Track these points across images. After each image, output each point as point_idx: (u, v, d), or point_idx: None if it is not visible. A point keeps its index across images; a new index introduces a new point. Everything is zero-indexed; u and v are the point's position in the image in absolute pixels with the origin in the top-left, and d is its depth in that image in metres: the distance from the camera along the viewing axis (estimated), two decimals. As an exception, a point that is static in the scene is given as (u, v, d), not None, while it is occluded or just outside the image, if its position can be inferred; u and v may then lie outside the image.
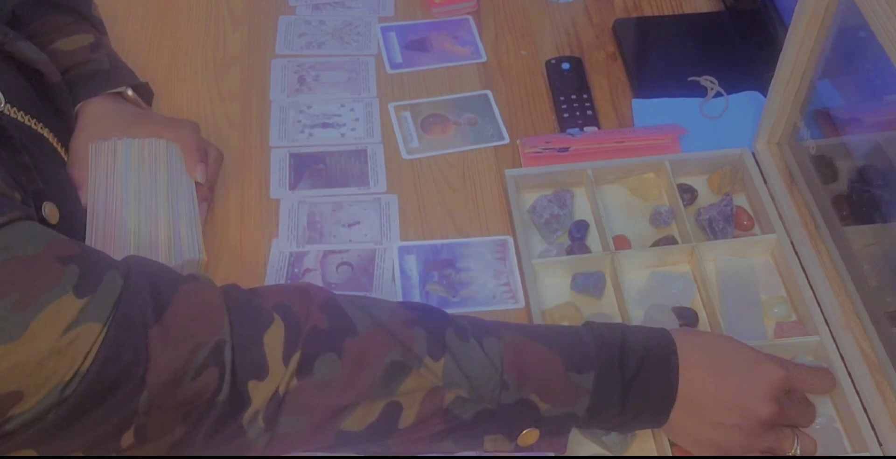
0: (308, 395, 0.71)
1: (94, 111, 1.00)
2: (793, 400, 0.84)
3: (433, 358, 0.74)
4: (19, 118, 0.89)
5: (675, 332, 0.82)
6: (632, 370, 0.78)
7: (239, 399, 0.70)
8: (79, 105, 1.00)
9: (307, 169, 1.09)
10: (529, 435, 0.77)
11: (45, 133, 0.93)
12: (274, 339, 0.71)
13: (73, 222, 0.89)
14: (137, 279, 0.69)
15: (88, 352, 0.64)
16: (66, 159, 0.96)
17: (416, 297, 0.98)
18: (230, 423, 0.70)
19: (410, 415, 0.74)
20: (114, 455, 0.68)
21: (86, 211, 0.93)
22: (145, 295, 0.68)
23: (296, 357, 0.71)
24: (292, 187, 1.07)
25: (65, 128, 0.98)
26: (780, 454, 0.82)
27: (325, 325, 0.73)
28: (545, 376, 0.76)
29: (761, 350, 0.91)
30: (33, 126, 0.91)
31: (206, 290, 0.72)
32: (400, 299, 0.97)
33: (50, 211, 0.84)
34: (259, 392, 0.70)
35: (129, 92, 1.04)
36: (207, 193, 1.01)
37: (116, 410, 0.66)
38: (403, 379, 0.73)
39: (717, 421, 0.79)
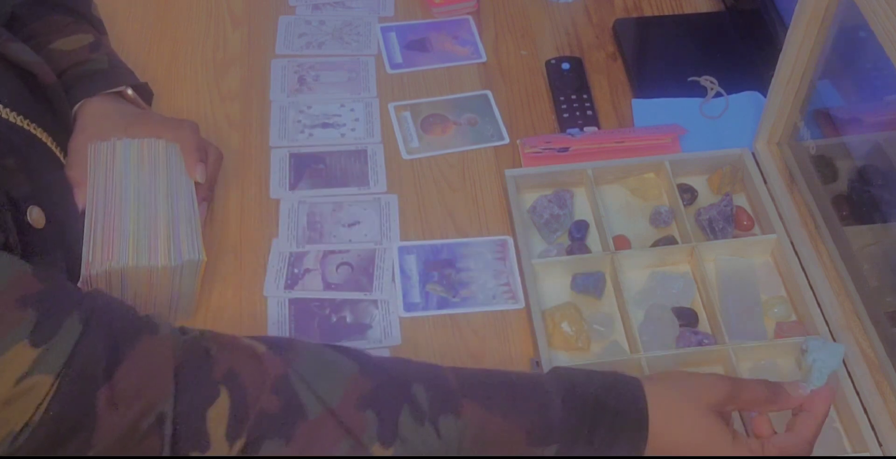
0: None
1: (93, 111, 1.00)
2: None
3: (383, 445, 0.71)
4: (11, 119, 0.89)
5: (649, 390, 0.77)
6: (599, 439, 0.74)
7: None
8: (78, 105, 1.00)
9: (307, 169, 1.09)
10: None
11: (40, 134, 0.93)
12: (218, 415, 0.69)
13: (64, 226, 0.88)
14: (96, 327, 0.67)
15: (40, 405, 0.63)
16: (62, 160, 0.96)
17: (417, 297, 0.98)
18: None
19: None
20: None
21: (83, 212, 0.93)
22: (100, 348, 0.67)
23: (240, 442, 0.69)
24: (292, 187, 1.07)
25: (61, 129, 0.98)
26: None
27: (274, 409, 0.70)
28: (504, 451, 0.74)
29: (761, 349, 0.91)
30: (27, 127, 0.91)
31: (161, 348, 0.70)
32: (400, 299, 0.98)
33: (37, 216, 0.83)
34: None
35: (129, 91, 1.04)
36: (207, 193, 1.01)
37: None
38: None
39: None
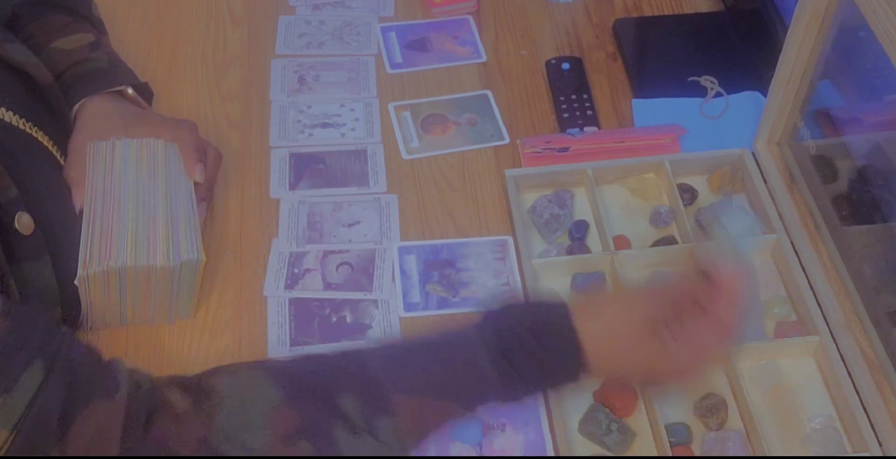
0: None
1: (93, 111, 1.00)
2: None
3: None
4: (7, 118, 0.89)
5: (582, 325, 0.76)
6: (534, 377, 0.74)
7: None
8: (78, 104, 1.00)
9: (307, 169, 1.09)
10: None
11: (38, 135, 0.92)
12: None
13: (56, 229, 0.88)
14: (56, 380, 0.66)
15: None
16: (60, 161, 0.96)
17: (416, 297, 0.98)
18: None
19: None
20: None
21: (81, 212, 0.93)
22: (57, 404, 0.66)
23: None
24: (292, 187, 1.07)
25: (60, 129, 0.98)
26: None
27: None
28: (445, 421, 0.75)
29: (762, 350, 0.91)
30: (24, 127, 0.91)
31: (112, 414, 0.68)
32: (400, 299, 0.97)
33: (25, 221, 0.83)
34: None
35: (130, 91, 1.04)
36: (206, 193, 1.01)
37: None
38: None
39: (628, 363, 0.77)
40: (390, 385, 0.73)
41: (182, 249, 0.90)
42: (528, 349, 0.74)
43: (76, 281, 0.87)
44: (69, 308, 0.89)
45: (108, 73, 1.03)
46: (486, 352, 0.74)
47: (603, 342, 0.75)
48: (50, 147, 0.94)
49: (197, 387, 0.72)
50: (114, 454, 0.67)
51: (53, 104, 0.97)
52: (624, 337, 0.76)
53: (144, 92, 1.07)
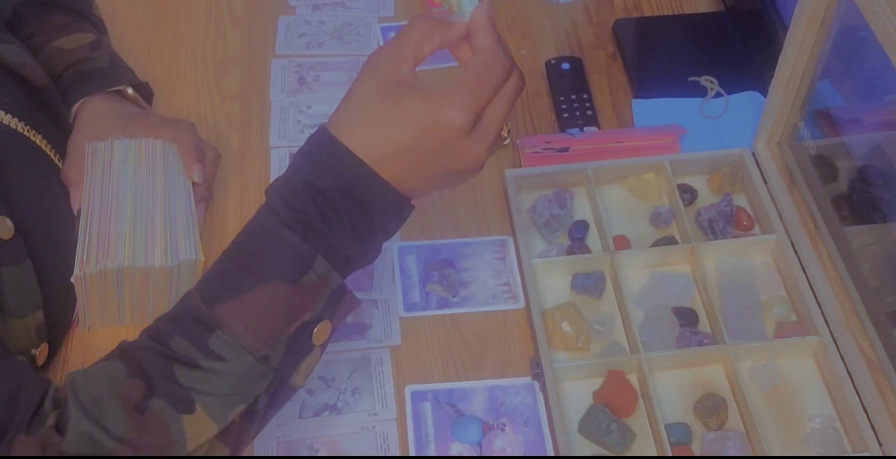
0: None
1: (92, 110, 1.00)
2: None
3: (191, 413, 0.69)
4: (0, 119, 0.89)
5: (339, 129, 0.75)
6: (360, 224, 0.71)
7: None
8: (77, 104, 1.00)
9: (307, 169, 1.09)
10: (321, 332, 0.73)
11: (32, 135, 0.92)
12: None
13: (35, 235, 0.87)
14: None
15: None
16: (56, 162, 0.96)
17: (416, 297, 0.98)
18: None
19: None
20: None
21: (79, 212, 0.93)
22: None
23: None
24: (292, 187, 1.07)
25: (57, 130, 0.97)
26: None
27: None
28: (286, 307, 0.70)
29: (761, 349, 0.91)
30: (16, 127, 0.90)
31: (27, 450, 0.68)
32: (400, 299, 0.97)
33: (3, 226, 0.82)
34: None
35: (130, 91, 1.04)
36: (205, 193, 1.01)
37: None
38: (191, 441, 0.69)
39: (429, 165, 0.72)
40: (210, 303, 0.71)
41: (180, 249, 0.90)
42: (324, 198, 0.70)
43: (72, 279, 0.87)
44: (54, 311, 0.89)
45: (108, 73, 1.03)
46: (277, 223, 0.70)
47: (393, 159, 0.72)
48: (45, 148, 0.94)
49: (58, 402, 0.71)
50: None
51: (49, 105, 0.97)
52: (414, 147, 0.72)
53: (144, 92, 1.07)
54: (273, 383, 0.72)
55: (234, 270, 0.72)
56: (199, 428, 0.70)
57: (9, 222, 0.83)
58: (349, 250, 0.72)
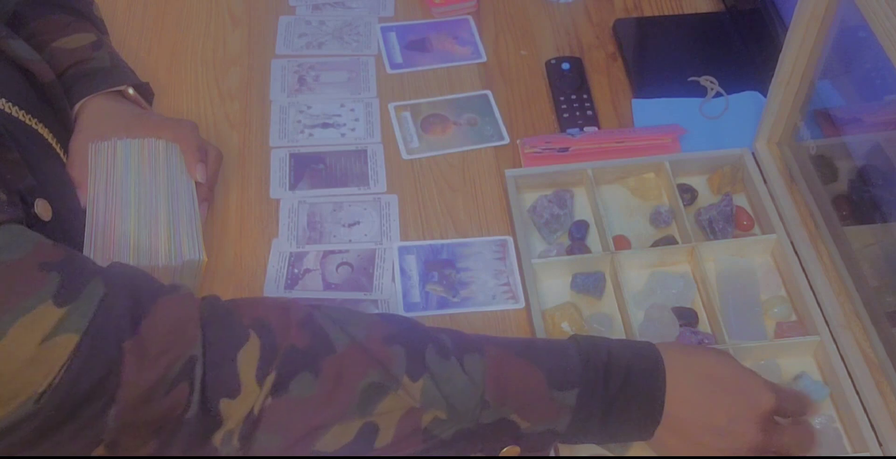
0: (283, 415, 0.70)
1: (94, 110, 1.00)
2: (784, 426, 0.82)
3: (411, 378, 0.73)
4: (14, 113, 0.89)
5: (666, 348, 0.81)
6: (615, 387, 0.76)
7: (211, 419, 0.69)
8: (79, 104, 1.00)
9: (307, 169, 1.09)
10: (510, 451, 0.76)
11: (41, 129, 0.93)
12: (248, 357, 0.70)
13: (67, 220, 0.89)
14: (118, 288, 0.68)
15: (64, 364, 0.63)
16: (62, 157, 0.96)
17: (416, 297, 0.98)
18: (203, 442, 0.70)
19: (387, 436, 0.73)
20: None
21: (84, 211, 0.93)
22: (124, 304, 0.68)
23: (270, 378, 0.70)
24: (292, 187, 1.07)
25: (62, 126, 0.98)
26: None
27: (303, 344, 0.72)
28: (527, 394, 0.75)
29: (761, 349, 0.91)
30: (28, 121, 0.91)
31: (184, 303, 0.71)
32: (400, 299, 0.98)
33: (43, 208, 0.83)
34: (232, 412, 0.69)
35: (131, 91, 1.04)
36: (208, 193, 1.01)
37: (88, 425, 0.65)
38: (380, 400, 0.72)
39: (702, 443, 0.78)
40: (484, 340, 0.78)
41: (184, 249, 0.91)
42: (615, 371, 0.77)
43: None
44: None
45: (109, 73, 1.03)
46: (576, 350, 0.78)
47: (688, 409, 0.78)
48: (53, 142, 0.94)
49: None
50: (198, 338, 0.70)
51: (55, 102, 0.97)
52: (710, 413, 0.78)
53: (145, 92, 1.07)
54: (458, 436, 0.75)
55: (519, 343, 0.80)
56: (393, 405, 0.73)
57: (47, 204, 0.84)
58: (588, 425, 0.77)
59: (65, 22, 1.04)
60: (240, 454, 0.70)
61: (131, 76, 1.05)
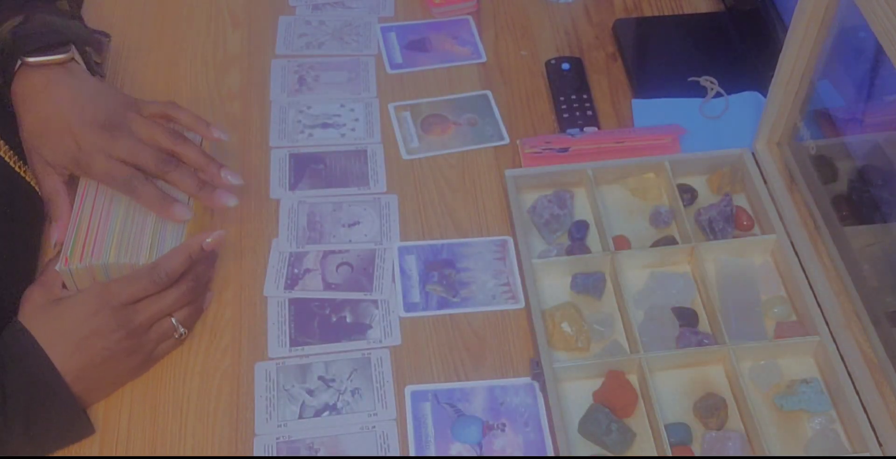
0: None
1: (33, 121, 0.94)
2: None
3: None
4: None
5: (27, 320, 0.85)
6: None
7: None
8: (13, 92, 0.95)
9: (307, 169, 1.09)
10: None
11: None
12: None
13: None
14: None
15: None
16: (13, 166, 0.95)
17: (416, 297, 0.98)
18: None
19: None
20: None
21: (58, 243, 0.93)
22: None
23: None
24: (292, 187, 1.07)
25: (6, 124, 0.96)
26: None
27: None
28: None
29: (761, 350, 0.91)
30: None
31: None
32: (400, 299, 0.98)
33: None
34: None
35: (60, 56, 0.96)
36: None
37: None
38: None
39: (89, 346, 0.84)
40: None
41: (166, 248, 0.92)
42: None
43: (57, 268, 0.89)
44: None
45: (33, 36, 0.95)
46: None
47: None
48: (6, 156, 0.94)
49: None
50: None
51: None
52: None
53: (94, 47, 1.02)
54: None
55: None
56: None
57: None
58: None
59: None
60: None
61: (51, 36, 0.96)
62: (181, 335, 0.91)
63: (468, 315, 0.97)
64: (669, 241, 1.00)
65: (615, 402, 0.88)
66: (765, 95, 1.03)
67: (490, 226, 1.04)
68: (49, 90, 0.94)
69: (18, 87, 0.95)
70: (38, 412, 0.82)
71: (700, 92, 1.16)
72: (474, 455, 0.87)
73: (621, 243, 1.01)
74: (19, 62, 0.95)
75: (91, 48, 1.03)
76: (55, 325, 0.84)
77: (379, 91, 1.17)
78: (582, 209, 1.04)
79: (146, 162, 0.93)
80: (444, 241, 1.03)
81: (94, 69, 1.02)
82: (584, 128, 1.12)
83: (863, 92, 0.98)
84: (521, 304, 0.97)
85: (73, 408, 0.84)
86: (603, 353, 0.93)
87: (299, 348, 0.94)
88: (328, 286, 0.99)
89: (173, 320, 0.90)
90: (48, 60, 0.95)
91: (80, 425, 0.86)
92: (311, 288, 0.99)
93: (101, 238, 0.92)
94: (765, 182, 1.03)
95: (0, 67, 0.96)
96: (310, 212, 1.05)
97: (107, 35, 1.09)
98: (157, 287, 0.88)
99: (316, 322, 0.96)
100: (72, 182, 0.97)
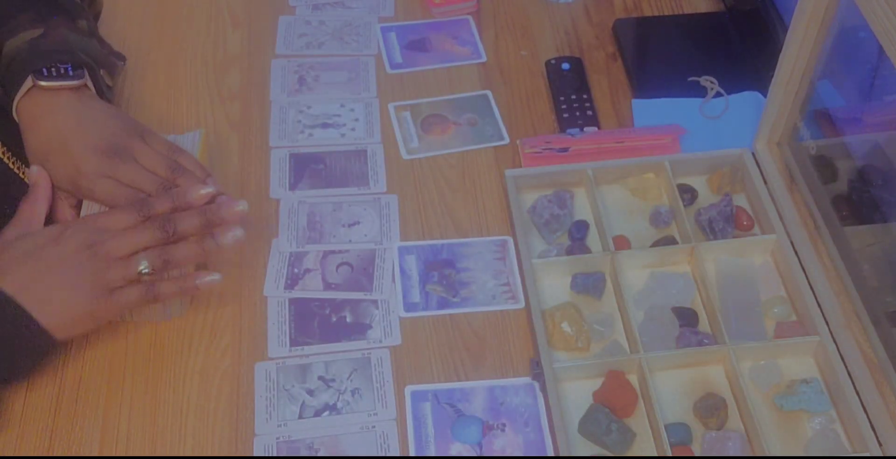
0: None
1: (38, 142, 0.94)
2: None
3: None
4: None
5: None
6: None
7: None
8: (16, 99, 0.94)
9: (307, 169, 1.09)
10: None
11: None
12: None
13: None
14: None
15: None
16: (17, 173, 0.96)
17: (416, 297, 0.98)
18: None
19: None
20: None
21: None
22: None
23: None
24: (292, 187, 1.07)
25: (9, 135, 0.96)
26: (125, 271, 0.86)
27: None
28: None
29: (761, 349, 0.91)
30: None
31: None
32: (400, 299, 0.97)
33: None
34: None
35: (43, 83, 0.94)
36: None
37: None
38: None
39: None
40: None
41: None
42: None
43: None
44: None
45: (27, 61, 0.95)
46: None
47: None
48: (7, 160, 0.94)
49: None
50: None
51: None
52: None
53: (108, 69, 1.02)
54: None
55: None
56: None
57: None
58: None
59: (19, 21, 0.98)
60: None
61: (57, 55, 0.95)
62: (145, 269, 0.86)
63: (468, 315, 0.97)
64: (669, 241, 1.00)
65: (615, 402, 0.88)
66: (765, 95, 1.03)
67: (490, 226, 1.04)
68: (54, 114, 0.94)
69: (25, 106, 0.95)
70: None
71: (700, 92, 1.16)
72: (474, 455, 0.87)
73: (621, 243, 1.01)
74: (31, 83, 0.94)
75: (105, 71, 1.02)
76: (14, 241, 0.86)
77: (379, 91, 1.18)
78: (582, 209, 1.04)
79: (148, 189, 0.91)
80: (444, 241, 1.03)
81: (105, 92, 1.00)
82: (584, 128, 1.12)
83: (863, 92, 0.98)
84: (521, 304, 0.97)
85: (20, 315, 0.82)
86: (603, 353, 0.93)
87: (299, 348, 0.94)
88: (328, 286, 0.99)
89: (144, 262, 0.86)
90: (60, 86, 0.94)
91: (32, 332, 0.83)
92: (311, 288, 0.99)
93: None
94: (765, 182, 1.03)
95: (8, 75, 0.95)
96: (310, 211, 1.05)
97: (122, 57, 1.08)
98: (135, 219, 0.87)
99: (316, 322, 0.96)
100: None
